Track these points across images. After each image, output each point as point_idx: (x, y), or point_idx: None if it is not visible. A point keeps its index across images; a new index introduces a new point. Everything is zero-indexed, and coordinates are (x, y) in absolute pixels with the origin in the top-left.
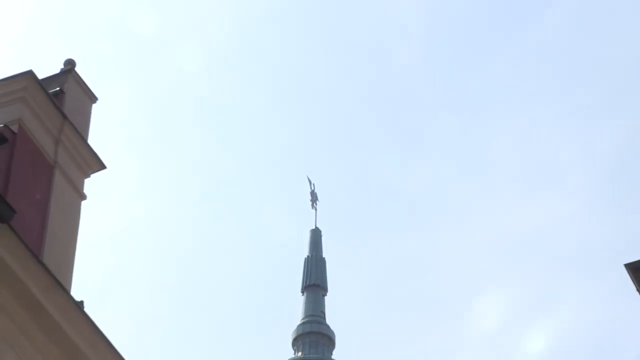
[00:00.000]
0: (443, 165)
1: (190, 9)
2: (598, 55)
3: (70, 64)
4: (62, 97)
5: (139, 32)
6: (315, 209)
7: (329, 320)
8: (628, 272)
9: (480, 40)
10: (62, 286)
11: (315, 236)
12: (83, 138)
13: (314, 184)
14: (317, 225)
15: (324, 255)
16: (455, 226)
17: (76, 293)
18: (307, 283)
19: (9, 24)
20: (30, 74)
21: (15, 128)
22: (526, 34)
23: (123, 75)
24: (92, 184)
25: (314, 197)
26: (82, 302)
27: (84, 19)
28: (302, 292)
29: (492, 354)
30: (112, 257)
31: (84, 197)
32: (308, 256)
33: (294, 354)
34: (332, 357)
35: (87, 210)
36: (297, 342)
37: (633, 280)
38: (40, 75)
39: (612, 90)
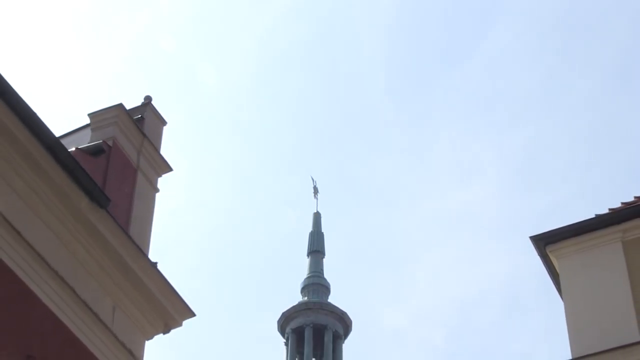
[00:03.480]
0: (399, 162)
1: (206, 31)
2: (509, 84)
3: (148, 99)
4: (142, 122)
5: (165, 51)
6: (317, 199)
7: (326, 274)
8: (532, 242)
9: (425, 70)
10: (143, 252)
11: (317, 217)
12: (157, 150)
13: (315, 180)
14: (318, 210)
15: (322, 230)
16: (409, 204)
17: (152, 256)
18: (311, 250)
19: (101, 70)
20: (120, 105)
21: (110, 143)
22: (463, 65)
23: (165, 95)
24: (162, 181)
25: (315, 190)
26: (156, 263)
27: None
28: (308, 256)
29: (434, 299)
30: (172, 230)
31: (157, 190)
32: (311, 231)
33: (302, 298)
34: (328, 300)
35: (159, 198)
36: (304, 290)
37: (535, 248)
38: (128, 106)
39: (519, 107)
